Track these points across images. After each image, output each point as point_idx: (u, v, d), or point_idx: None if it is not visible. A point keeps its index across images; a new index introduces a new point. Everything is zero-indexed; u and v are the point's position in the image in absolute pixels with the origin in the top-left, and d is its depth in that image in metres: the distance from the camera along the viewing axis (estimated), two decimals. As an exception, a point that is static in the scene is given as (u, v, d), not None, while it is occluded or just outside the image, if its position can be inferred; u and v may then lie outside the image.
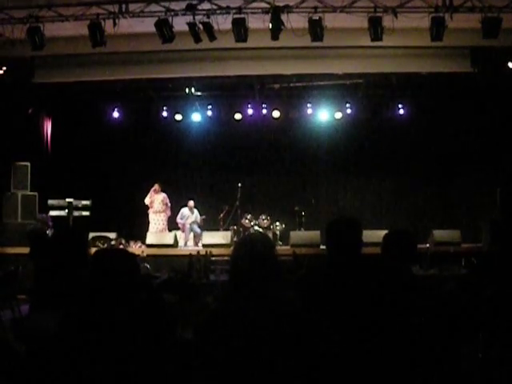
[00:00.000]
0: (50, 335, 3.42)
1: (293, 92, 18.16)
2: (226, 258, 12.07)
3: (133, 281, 3.32)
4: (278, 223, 17.27)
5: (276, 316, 3.42)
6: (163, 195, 17.06)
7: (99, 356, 3.09)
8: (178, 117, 18.61)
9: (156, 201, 16.99)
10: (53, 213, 16.04)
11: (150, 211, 17.07)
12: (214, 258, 12.63)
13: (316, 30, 11.84)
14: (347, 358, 3.49)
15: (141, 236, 16.19)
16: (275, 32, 11.82)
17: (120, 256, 3.43)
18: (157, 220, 16.99)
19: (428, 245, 14.69)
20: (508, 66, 13.88)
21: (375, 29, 11.77)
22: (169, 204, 17.18)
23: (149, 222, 17.04)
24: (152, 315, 3.42)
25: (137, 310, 3.26)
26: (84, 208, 16.41)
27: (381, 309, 3.73)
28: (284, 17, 11.66)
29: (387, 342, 3.63)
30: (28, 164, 16.56)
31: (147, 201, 16.95)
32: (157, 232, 16.53)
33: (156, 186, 16.94)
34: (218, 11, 11.84)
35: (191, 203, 17.47)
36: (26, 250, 13.86)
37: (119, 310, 3.19)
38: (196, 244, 16.83)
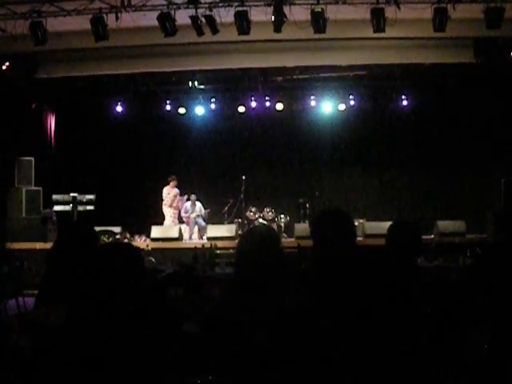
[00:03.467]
0: (55, 330, 3.43)
1: (296, 84, 18.15)
2: (230, 250, 12.07)
3: (138, 275, 3.33)
4: (282, 215, 17.26)
5: (281, 308, 3.42)
6: (176, 190, 17.13)
7: (104, 350, 3.10)
8: (182, 110, 18.61)
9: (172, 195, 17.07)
10: (57, 208, 16.06)
11: (166, 205, 17.06)
12: (218, 251, 12.64)
13: (318, 21, 11.83)
14: (351, 350, 3.49)
15: (146, 229, 16.20)
16: (278, 24, 11.81)
17: (124, 250, 3.43)
18: (172, 213, 17.05)
19: (433, 236, 14.72)
20: (511, 56, 13.85)
21: (378, 20, 11.76)
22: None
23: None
24: (157, 309, 3.43)
25: (142, 304, 3.27)
26: (88, 202, 16.41)
27: (380, 301, 3.72)
28: (286, 9, 11.65)
29: (392, 334, 3.64)
30: (32, 159, 16.58)
31: (171, 197, 16.97)
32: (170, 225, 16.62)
33: (175, 181, 17.02)
34: (221, 4, 11.83)
35: (193, 197, 17.48)
36: (31, 246, 14.09)
37: (124, 304, 3.20)
38: (201, 237, 16.83)
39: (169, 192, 17.08)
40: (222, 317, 3.54)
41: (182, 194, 17.61)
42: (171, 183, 17.12)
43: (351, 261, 3.85)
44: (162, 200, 17.15)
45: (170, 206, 17.05)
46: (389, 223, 5.09)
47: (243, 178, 17.18)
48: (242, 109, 18.46)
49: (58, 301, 3.91)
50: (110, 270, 3.26)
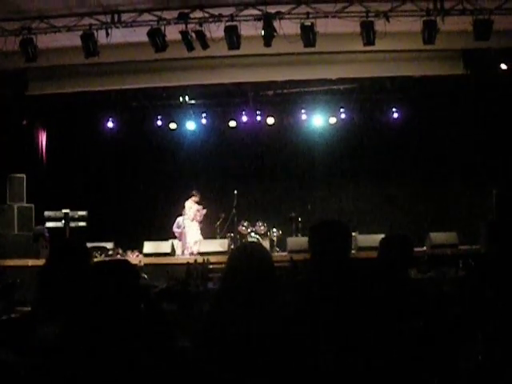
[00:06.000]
0: (49, 347, 3.41)
1: (287, 98, 18.20)
2: (223, 265, 12.03)
3: (133, 291, 3.32)
4: (274, 229, 17.22)
5: (271, 322, 3.42)
6: (197, 206, 17.09)
7: (100, 366, 3.08)
8: (173, 125, 18.62)
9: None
10: (49, 224, 16.01)
11: (189, 219, 16.96)
12: (211, 266, 12.62)
13: (308, 35, 11.87)
14: (345, 362, 3.48)
15: (138, 245, 16.14)
16: (268, 39, 11.84)
17: (121, 267, 3.43)
18: (195, 227, 16.95)
19: (425, 248, 14.73)
20: (500, 68, 13.93)
21: (367, 33, 11.80)
22: None
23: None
24: (151, 325, 3.42)
25: (136, 320, 3.26)
26: (80, 219, 16.35)
27: (373, 314, 3.71)
28: (276, 23, 11.70)
29: (385, 346, 3.63)
30: (24, 176, 16.51)
31: (194, 211, 16.93)
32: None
33: (197, 197, 16.97)
34: (211, 19, 11.87)
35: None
36: (23, 263, 14.02)
37: (119, 319, 3.19)
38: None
39: (191, 206, 16.97)
40: (214, 331, 3.53)
41: (174, 210, 17.53)
42: (193, 198, 17.04)
43: (346, 273, 3.85)
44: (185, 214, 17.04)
45: (193, 219, 16.94)
46: (381, 236, 5.10)
47: (235, 192, 17.15)
48: (233, 123, 18.47)
49: (51, 318, 3.90)
50: (107, 287, 3.25)
